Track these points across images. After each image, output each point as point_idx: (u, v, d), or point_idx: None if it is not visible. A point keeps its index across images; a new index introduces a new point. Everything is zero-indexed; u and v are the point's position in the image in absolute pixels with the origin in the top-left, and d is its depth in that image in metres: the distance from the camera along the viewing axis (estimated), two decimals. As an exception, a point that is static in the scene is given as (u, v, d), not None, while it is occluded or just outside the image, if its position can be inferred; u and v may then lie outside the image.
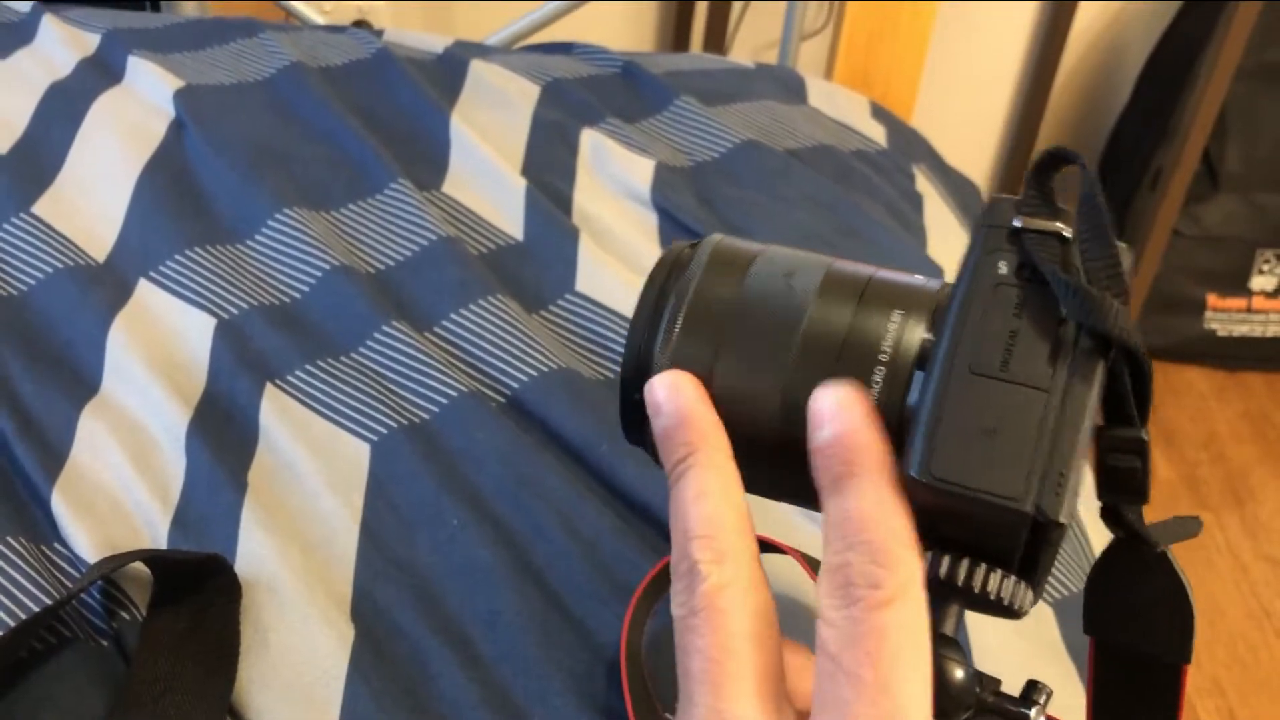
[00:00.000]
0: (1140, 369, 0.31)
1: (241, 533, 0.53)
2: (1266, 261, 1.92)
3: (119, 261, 0.69)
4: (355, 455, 0.58)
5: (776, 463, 0.35)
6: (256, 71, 0.86)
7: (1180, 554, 1.38)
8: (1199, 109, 1.49)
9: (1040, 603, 0.58)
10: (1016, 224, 0.32)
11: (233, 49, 0.90)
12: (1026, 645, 0.55)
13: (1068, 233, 0.32)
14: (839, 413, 0.32)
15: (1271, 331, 1.97)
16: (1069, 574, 0.60)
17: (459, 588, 0.52)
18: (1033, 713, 0.34)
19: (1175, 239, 1.89)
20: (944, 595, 0.32)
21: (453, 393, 0.60)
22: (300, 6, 1.12)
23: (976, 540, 0.31)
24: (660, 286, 0.37)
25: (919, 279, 0.36)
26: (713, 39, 1.58)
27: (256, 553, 0.52)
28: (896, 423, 0.33)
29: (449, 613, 0.52)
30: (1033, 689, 0.35)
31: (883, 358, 0.34)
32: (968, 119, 2.11)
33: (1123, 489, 0.33)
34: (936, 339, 0.33)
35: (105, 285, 0.67)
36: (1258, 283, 1.94)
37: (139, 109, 0.80)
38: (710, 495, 0.34)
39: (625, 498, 0.57)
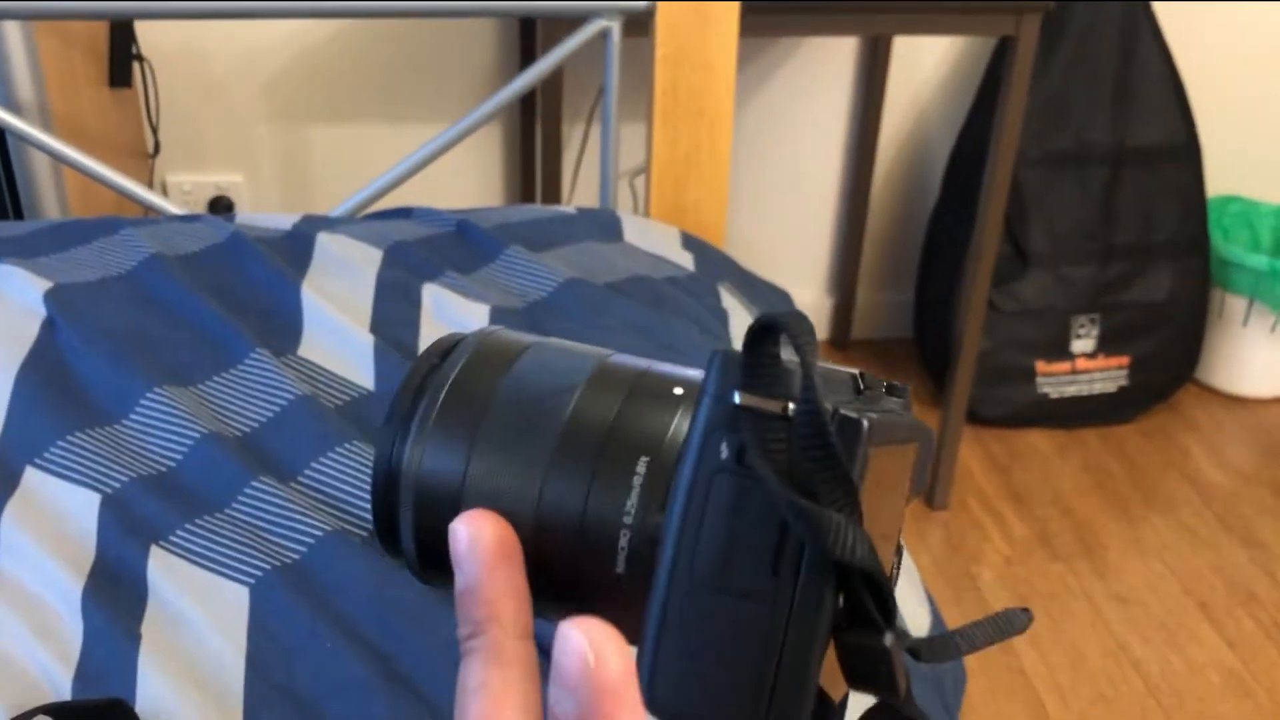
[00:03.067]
0: (876, 583, 0.28)
1: (140, 678, 0.60)
2: (1082, 326, 2.11)
3: (5, 453, 0.76)
4: (236, 598, 0.65)
5: (532, 568, 0.32)
6: (119, 265, 0.95)
7: (1041, 603, 1.56)
8: (991, 194, 1.67)
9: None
10: (735, 400, 0.29)
11: (95, 247, 0.98)
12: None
13: (780, 406, 0.28)
14: (587, 660, 0.27)
15: (1097, 389, 2.15)
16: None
17: (337, 702, 0.60)
18: None
19: (998, 315, 2.06)
20: None
21: (319, 533, 0.68)
22: (156, 199, 1.21)
23: None
24: (421, 380, 0.34)
25: (693, 373, 0.33)
26: (550, 191, 1.72)
27: (155, 693, 0.59)
28: (649, 540, 0.30)
29: (330, 724, 0.59)
30: None
31: (645, 458, 0.30)
32: (798, 229, 2.29)
33: (871, 685, 0.29)
34: (664, 526, 0.29)
35: (-7, 476, 0.74)
36: (1077, 346, 2.12)
37: (11, 312, 0.88)
38: (489, 693, 0.30)
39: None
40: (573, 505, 0.31)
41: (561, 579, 0.31)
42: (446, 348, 0.35)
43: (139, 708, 0.59)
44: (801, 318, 0.29)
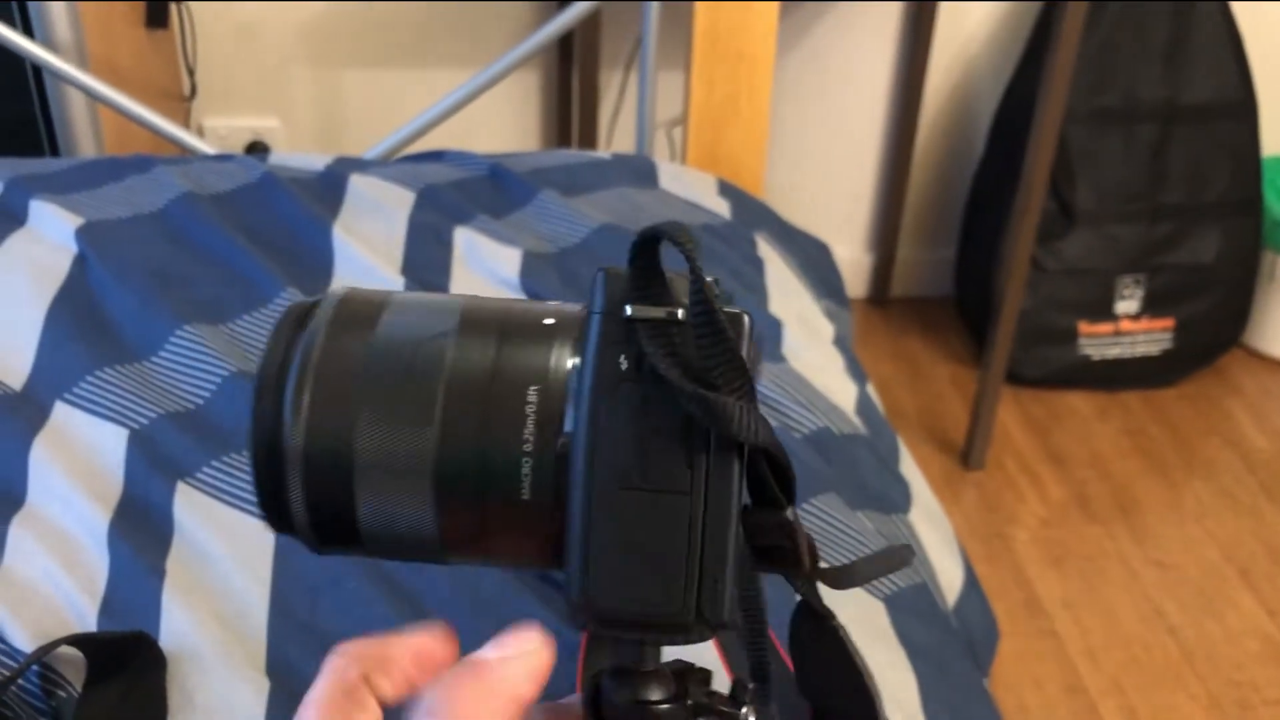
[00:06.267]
0: (777, 460, 0.30)
1: (164, 613, 0.60)
2: (1126, 287, 2.07)
3: (35, 388, 0.76)
4: (261, 536, 0.65)
5: (441, 518, 0.32)
6: (151, 203, 0.94)
7: (1076, 565, 1.52)
8: (1038, 152, 1.63)
9: (870, 597, 0.67)
10: (628, 312, 0.30)
11: (128, 184, 0.98)
12: (858, 631, 0.63)
13: (682, 313, 0.30)
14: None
15: (1140, 351, 2.11)
16: (900, 573, 0.69)
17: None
18: (743, 712, 0.33)
19: (1040, 274, 2.02)
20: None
21: (345, 472, 0.68)
22: (191, 139, 1.21)
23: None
24: (285, 347, 0.33)
25: (553, 304, 0.34)
26: (586, 140, 1.70)
27: (178, 628, 0.59)
28: (554, 459, 0.31)
29: (353, 662, 0.59)
30: (741, 688, 0.34)
31: (534, 387, 0.31)
32: (839, 183, 2.25)
33: (775, 563, 0.32)
34: (572, 442, 0.31)
35: (24, 410, 0.74)
36: (1121, 307, 2.08)
37: (43, 248, 0.88)
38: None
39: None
40: (470, 450, 0.31)
41: (467, 521, 0.32)
42: (300, 314, 0.34)
43: (162, 642, 0.59)
44: (682, 227, 0.30)
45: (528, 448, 0.31)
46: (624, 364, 0.30)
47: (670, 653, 0.33)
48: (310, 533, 0.33)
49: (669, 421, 0.30)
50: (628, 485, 0.30)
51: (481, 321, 0.33)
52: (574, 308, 0.34)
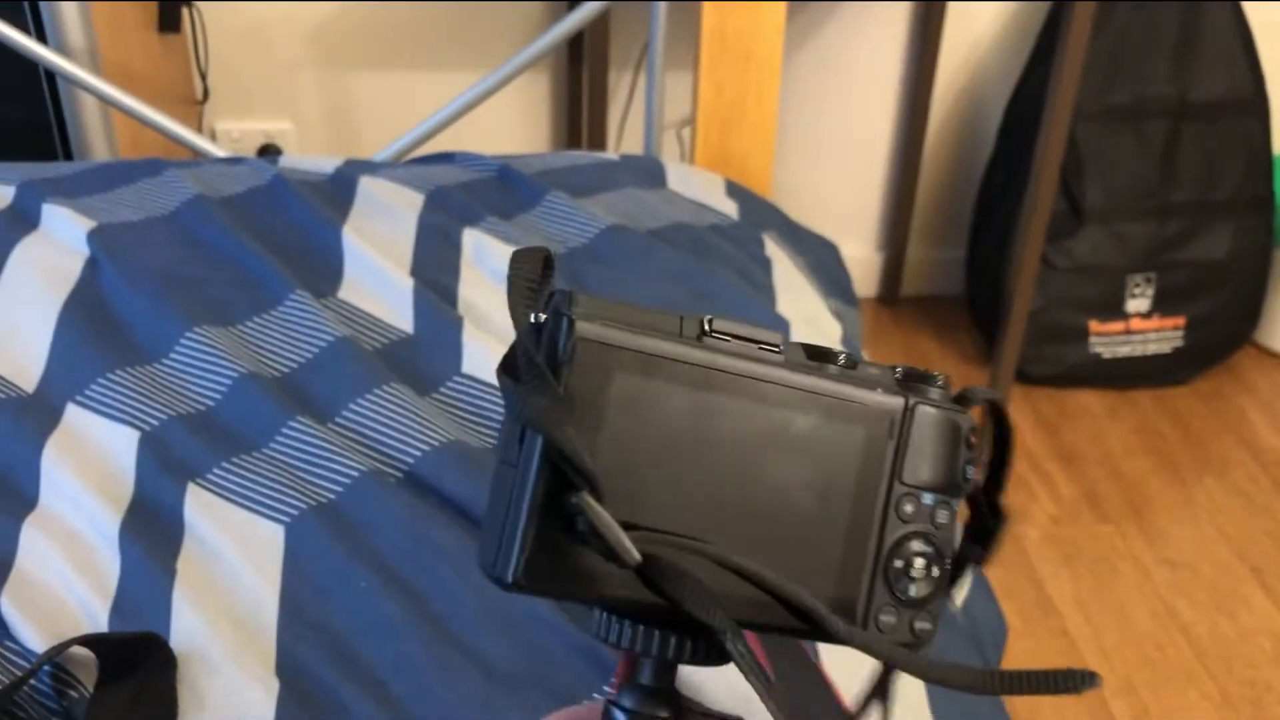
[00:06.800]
0: (562, 451, 0.32)
1: (174, 613, 0.61)
2: (1137, 285, 2.06)
3: (47, 390, 0.77)
4: (271, 537, 0.65)
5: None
6: (162, 206, 0.95)
7: (1087, 564, 1.51)
8: (1047, 150, 1.63)
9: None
10: (532, 319, 0.34)
11: (139, 188, 0.99)
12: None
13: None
14: None
15: (1151, 350, 2.10)
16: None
17: (369, 640, 0.60)
18: None
19: (1051, 272, 2.02)
20: None
21: (354, 473, 0.68)
22: (203, 143, 1.21)
23: None
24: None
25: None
26: (595, 142, 1.71)
27: (189, 628, 0.60)
28: None
29: (362, 662, 0.59)
30: None
31: None
32: (849, 183, 2.25)
33: (585, 540, 0.33)
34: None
35: (36, 412, 0.74)
36: (1132, 305, 2.07)
37: (55, 251, 0.88)
38: None
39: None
40: None
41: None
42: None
43: (173, 642, 0.59)
44: (542, 251, 0.35)
45: None
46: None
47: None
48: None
49: (513, 411, 0.34)
50: (498, 460, 0.35)
51: None
52: None
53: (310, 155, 2.03)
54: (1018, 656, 1.57)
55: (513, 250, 0.88)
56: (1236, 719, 1.50)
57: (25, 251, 0.88)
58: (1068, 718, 1.50)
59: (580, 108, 2.01)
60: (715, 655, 0.35)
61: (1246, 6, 1.99)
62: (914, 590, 0.36)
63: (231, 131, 2.04)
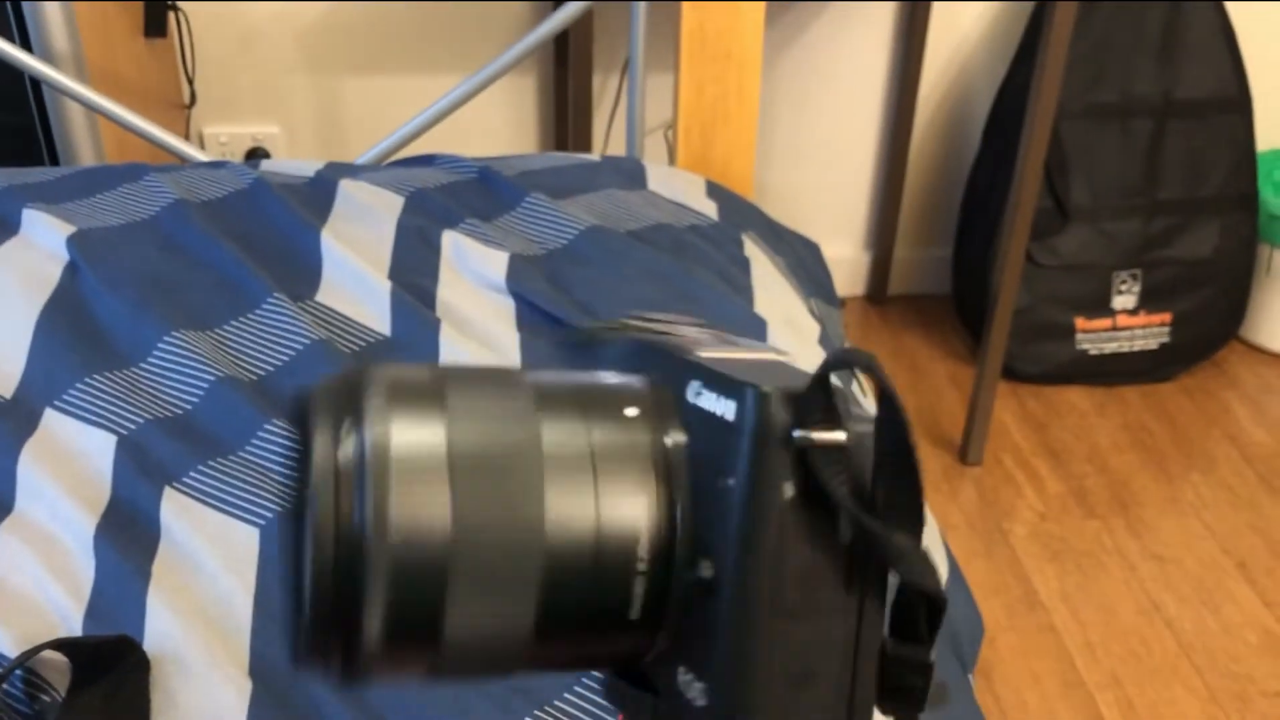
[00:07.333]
0: (935, 604, 0.28)
1: (149, 616, 0.61)
2: (1123, 282, 2.07)
3: (26, 395, 0.77)
4: (246, 539, 0.66)
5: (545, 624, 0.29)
6: (142, 211, 0.95)
7: (1074, 560, 1.52)
8: (1030, 148, 1.63)
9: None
10: (796, 435, 0.28)
11: (120, 193, 0.99)
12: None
13: (844, 437, 0.28)
14: None
15: (1138, 346, 2.11)
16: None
17: (343, 641, 0.60)
18: None
19: (1037, 270, 2.03)
20: None
21: (330, 475, 0.69)
22: (188, 149, 1.22)
23: None
24: (335, 437, 0.28)
25: (627, 387, 0.31)
26: (581, 145, 1.71)
27: (163, 630, 0.60)
28: (671, 580, 0.29)
29: (336, 663, 0.59)
30: None
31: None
32: (836, 183, 2.26)
33: (904, 703, 0.30)
34: (717, 574, 0.29)
35: (14, 417, 0.75)
36: (1119, 302, 2.08)
37: (35, 256, 0.89)
38: None
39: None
40: (584, 562, 0.29)
41: (565, 636, 0.29)
42: (338, 401, 0.28)
43: (147, 645, 0.59)
44: (870, 356, 0.28)
45: (641, 567, 0.29)
46: (789, 492, 0.28)
47: None
48: (381, 645, 0.28)
49: (833, 547, 0.28)
50: (792, 614, 0.28)
51: (559, 401, 0.30)
52: (641, 385, 0.31)
53: (297, 159, 2.03)
54: (1004, 652, 1.58)
55: (489, 253, 0.89)
56: (1221, 713, 1.51)
57: (4, 256, 0.88)
58: (1053, 712, 1.51)
59: (567, 110, 2.02)
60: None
61: (1229, 5, 2.00)
62: None
63: (219, 136, 2.05)
